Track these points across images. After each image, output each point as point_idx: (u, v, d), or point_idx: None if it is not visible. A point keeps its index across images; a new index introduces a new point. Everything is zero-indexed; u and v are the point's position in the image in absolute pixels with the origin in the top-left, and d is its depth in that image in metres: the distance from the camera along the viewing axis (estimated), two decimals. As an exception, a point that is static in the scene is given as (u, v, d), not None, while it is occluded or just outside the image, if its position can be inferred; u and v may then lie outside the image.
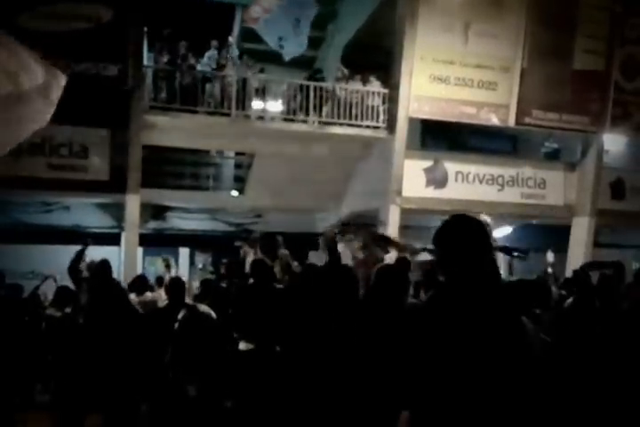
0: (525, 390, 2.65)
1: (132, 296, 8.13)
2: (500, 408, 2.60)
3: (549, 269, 8.99)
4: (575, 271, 7.97)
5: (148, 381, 6.56)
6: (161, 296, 8.16)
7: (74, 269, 7.15)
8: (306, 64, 16.53)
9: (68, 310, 7.50)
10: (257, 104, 14.46)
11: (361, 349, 3.74)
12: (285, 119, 14.52)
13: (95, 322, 6.73)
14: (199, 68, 14.13)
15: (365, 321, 3.82)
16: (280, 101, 14.61)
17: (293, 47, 14.07)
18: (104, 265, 6.96)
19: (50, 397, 7.25)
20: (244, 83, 14.11)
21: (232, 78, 14.05)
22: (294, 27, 13.86)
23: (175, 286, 6.81)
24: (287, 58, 14.23)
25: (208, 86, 13.88)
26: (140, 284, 8.33)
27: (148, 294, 7.89)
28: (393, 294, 3.84)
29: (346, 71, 15.21)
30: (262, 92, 14.36)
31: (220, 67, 14.19)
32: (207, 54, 14.19)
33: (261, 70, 14.87)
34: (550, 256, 9.22)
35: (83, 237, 7.82)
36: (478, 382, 2.59)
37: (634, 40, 16.29)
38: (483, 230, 2.83)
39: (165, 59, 13.82)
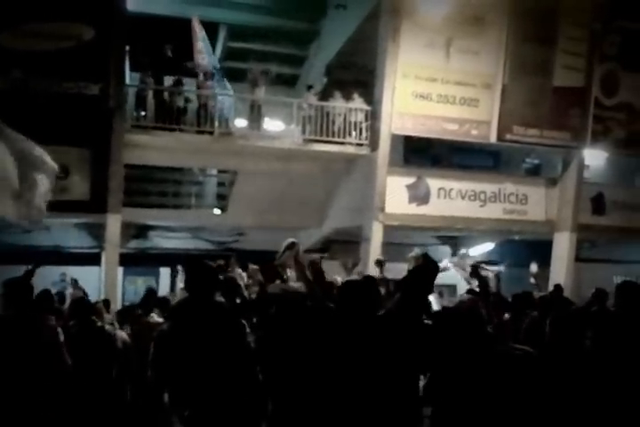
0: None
1: None
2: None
3: (532, 280, 9.06)
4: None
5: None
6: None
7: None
8: (289, 82, 16.59)
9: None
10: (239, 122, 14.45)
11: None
12: (267, 136, 14.50)
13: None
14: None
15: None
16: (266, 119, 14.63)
17: None
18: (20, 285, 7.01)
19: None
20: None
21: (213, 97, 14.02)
22: None
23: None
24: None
25: (190, 105, 13.83)
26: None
27: (153, 315, 7.65)
28: (358, 310, 3.80)
29: (318, 88, 15.21)
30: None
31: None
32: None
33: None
34: (534, 267, 9.27)
35: (36, 259, 7.63)
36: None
37: (613, 57, 16.41)
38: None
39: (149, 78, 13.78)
